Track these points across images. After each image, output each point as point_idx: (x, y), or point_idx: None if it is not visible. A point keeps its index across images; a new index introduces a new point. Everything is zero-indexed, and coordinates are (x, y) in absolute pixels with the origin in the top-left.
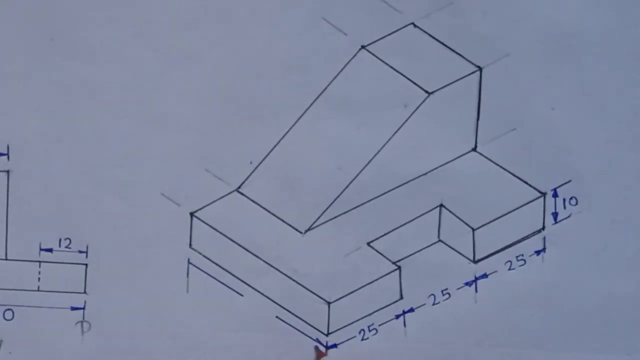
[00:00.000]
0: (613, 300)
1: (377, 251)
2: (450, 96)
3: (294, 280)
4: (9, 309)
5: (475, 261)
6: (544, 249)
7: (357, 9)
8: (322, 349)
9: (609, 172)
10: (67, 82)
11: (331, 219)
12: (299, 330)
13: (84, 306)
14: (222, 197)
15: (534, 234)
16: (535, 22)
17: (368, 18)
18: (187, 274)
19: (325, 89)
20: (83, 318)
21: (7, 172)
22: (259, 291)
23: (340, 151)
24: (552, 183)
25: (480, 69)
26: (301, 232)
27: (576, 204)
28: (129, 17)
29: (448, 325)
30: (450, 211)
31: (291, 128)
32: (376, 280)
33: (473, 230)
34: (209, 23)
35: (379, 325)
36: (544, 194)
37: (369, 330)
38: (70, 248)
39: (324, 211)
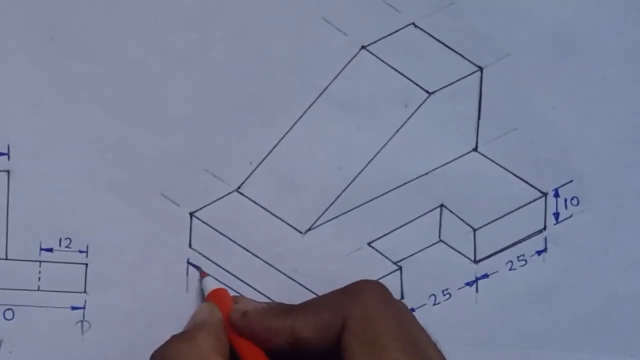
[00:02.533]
0: (615, 300)
1: (378, 251)
2: (451, 96)
3: (294, 280)
4: (9, 309)
5: (476, 261)
6: (545, 249)
7: (357, 9)
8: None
9: (611, 172)
10: (67, 82)
11: (332, 219)
12: None
13: (84, 306)
14: (222, 197)
15: (535, 234)
16: (536, 22)
17: (368, 18)
18: (187, 273)
19: (326, 89)
20: (83, 318)
21: (8, 172)
22: (259, 291)
23: (340, 151)
24: (553, 183)
25: (481, 69)
26: (301, 232)
27: (577, 204)
28: (129, 17)
29: (449, 325)
30: (451, 211)
31: (291, 128)
32: (377, 280)
33: (474, 230)
34: (209, 23)
35: None
36: (545, 194)
37: None
38: (70, 248)
39: (325, 211)
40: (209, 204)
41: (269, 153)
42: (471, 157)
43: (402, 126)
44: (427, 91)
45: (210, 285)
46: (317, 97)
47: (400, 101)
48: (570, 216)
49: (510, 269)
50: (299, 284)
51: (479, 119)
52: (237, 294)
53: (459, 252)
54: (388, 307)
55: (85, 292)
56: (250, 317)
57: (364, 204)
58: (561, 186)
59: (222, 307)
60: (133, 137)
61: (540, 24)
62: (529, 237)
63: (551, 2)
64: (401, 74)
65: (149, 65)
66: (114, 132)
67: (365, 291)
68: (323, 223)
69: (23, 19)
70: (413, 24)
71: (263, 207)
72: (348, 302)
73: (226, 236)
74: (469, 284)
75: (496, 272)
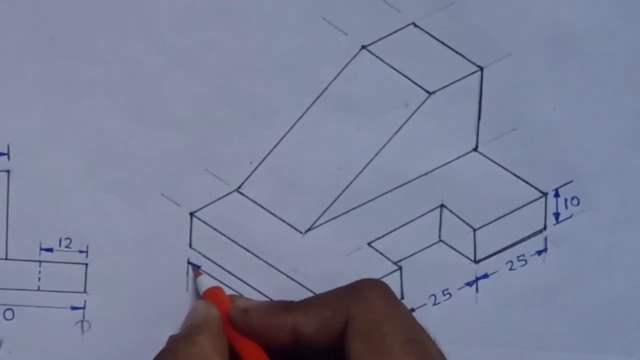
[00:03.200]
0: (615, 300)
1: (378, 251)
2: (451, 96)
3: (294, 280)
4: (9, 309)
5: (476, 261)
6: (545, 249)
7: (357, 9)
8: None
9: (611, 172)
10: (67, 82)
11: (332, 219)
12: None
13: (84, 306)
14: (222, 197)
15: (535, 234)
16: (537, 22)
17: (369, 18)
18: (187, 273)
19: (326, 89)
20: (83, 318)
21: (8, 171)
22: (259, 291)
23: (340, 151)
24: (553, 183)
25: (481, 68)
26: (301, 232)
27: (578, 204)
28: (129, 17)
29: (449, 325)
30: (451, 211)
31: (292, 128)
32: (380, 279)
33: (474, 230)
34: (209, 23)
35: None
36: (545, 194)
37: None
38: (70, 248)
39: (325, 211)
40: (209, 204)
41: (269, 153)
42: (471, 157)
43: (402, 126)
44: (427, 91)
45: (206, 283)
46: (318, 97)
47: (400, 101)
48: (571, 216)
49: (510, 269)
50: (299, 283)
51: (479, 119)
52: (237, 294)
53: (459, 252)
54: (392, 307)
55: (85, 292)
56: (251, 314)
57: (364, 203)
58: (561, 186)
59: (219, 306)
60: (133, 137)
61: (540, 24)
62: (529, 237)
63: (551, 2)
64: (401, 73)
65: (149, 65)
66: (114, 132)
67: (369, 290)
68: (323, 223)
69: (23, 19)
70: (413, 23)
71: (263, 207)
72: (351, 301)
73: (226, 236)
74: (469, 284)
75: (496, 272)
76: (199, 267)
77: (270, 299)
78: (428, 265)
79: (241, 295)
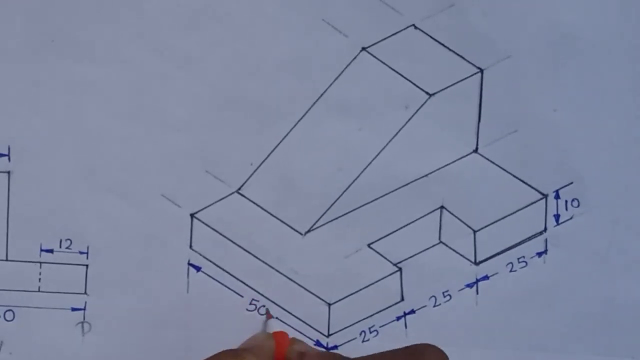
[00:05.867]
0: (615, 302)
1: (378, 253)
2: (452, 98)
3: (294, 281)
4: (9, 310)
5: (476, 263)
6: (545, 251)
7: (357, 11)
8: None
9: (611, 174)
10: (68, 83)
11: (332, 221)
12: (299, 332)
13: (85, 307)
14: (223, 198)
15: (535, 235)
16: (537, 23)
17: (369, 20)
18: (187, 274)
19: (326, 90)
20: (83, 319)
21: (8, 172)
22: (259, 292)
23: (341, 153)
24: (553, 185)
25: (481, 70)
26: (301, 234)
27: (578, 205)
28: (130, 18)
29: (449, 327)
30: (451, 213)
31: (292, 129)
32: (377, 281)
33: (474, 232)
34: (209, 24)
35: (380, 326)
36: (545, 196)
37: (370, 332)
38: (71, 249)
39: (325, 212)
40: (209, 205)
41: (270, 154)
42: (471, 159)
43: (402, 128)
44: (427, 93)
45: (274, 327)
46: (318, 99)
47: (400, 103)
48: (571, 218)
49: (510, 271)
50: (299, 285)
51: (479, 120)
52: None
53: (459, 253)
54: None
55: (85, 293)
56: (307, 359)
57: (364, 205)
58: (561, 188)
59: (278, 343)
60: (133, 137)
61: (540, 25)
62: (529, 238)
63: (552, 3)
64: (402, 75)
65: (149, 66)
66: (114, 132)
67: (426, 355)
68: (323, 224)
69: (25, 20)
70: (413, 25)
71: (263, 209)
72: None
73: (226, 237)
74: (469, 285)
75: (496, 273)
76: (267, 309)
77: (270, 300)
78: (428, 267)
79: (302, 341)
